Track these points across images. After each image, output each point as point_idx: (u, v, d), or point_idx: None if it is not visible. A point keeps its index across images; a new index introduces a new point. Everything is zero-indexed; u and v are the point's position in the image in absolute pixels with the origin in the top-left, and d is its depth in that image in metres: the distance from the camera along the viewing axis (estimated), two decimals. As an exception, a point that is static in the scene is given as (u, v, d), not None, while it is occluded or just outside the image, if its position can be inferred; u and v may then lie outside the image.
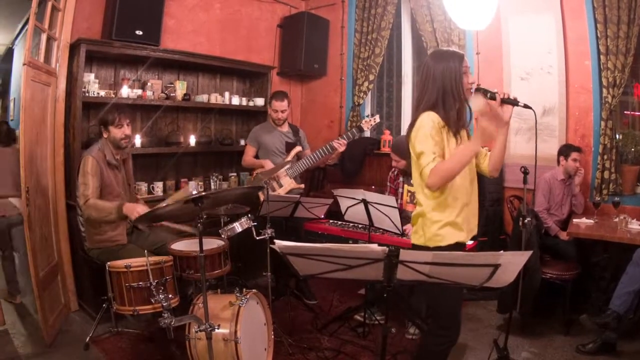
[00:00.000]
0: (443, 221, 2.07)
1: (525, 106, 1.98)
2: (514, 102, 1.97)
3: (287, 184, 3.96)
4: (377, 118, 3.89)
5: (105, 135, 3.16)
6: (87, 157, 3.03)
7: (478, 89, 2.04)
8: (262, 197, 3.86)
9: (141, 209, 2.94)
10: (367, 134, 4.95)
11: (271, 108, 4.04)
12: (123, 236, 3.19)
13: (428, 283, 1.51)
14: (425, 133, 1.97)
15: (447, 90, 2.03)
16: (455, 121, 2.06)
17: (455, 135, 2.08)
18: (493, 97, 1.99)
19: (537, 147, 4.05)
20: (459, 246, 2.10)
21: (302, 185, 4.04)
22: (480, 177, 4.08)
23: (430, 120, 2.00)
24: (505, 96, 1.97)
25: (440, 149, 2.00)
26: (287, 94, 4.09)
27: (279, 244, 1.46)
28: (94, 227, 3.10)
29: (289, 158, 4.00)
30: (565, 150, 3.79)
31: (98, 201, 2.96)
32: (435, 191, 2.06)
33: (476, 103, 1.94)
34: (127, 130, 3.17)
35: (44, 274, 3.15)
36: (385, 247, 1.40)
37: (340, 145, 3.77)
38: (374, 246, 1.39)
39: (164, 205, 2.28)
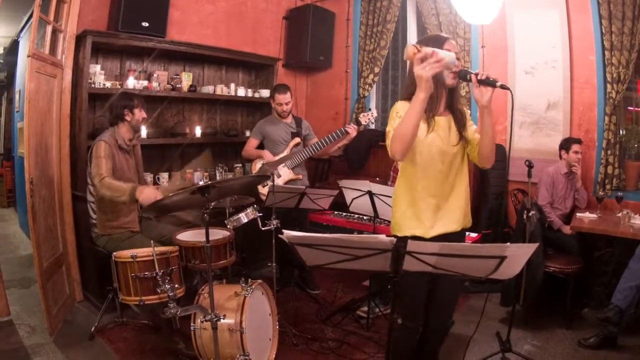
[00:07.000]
0: (397, 212, 2.16)
1: (503, 87, 1.86)
2: (492, 83, 1.86)
3: (285, 174, 3.98)
4: (375, 112, 3.99)
5: (128, 119, 3.20)
6: (100, 141, 3.06)
7: (459, 71, 1.96)
8: (260, 190, 3.89)
9: (154, 195, 2.90)
10: (372, 126, 4.97)
11: (275, 102, 4.04)
12: (135, 223, 3.21)
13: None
14: (392, 116, 2.04)
15: None
16: (430, 107, 2.00)
17: (428, 120, 2.03)
18: (470, 79, 1.91)
19: (542, 142, 4.16)
20: (415, 240, 2.02)
21: (300, 176, 4.04)
22: (485, 171, 4.15)
23: (400, 107, 2.03)
24: (483, 77, 1.87)
25: None
26: (288, 86, 4.09)
27: (288, 234, 1.45)
28: (106, 213, 3.12)
29: (288, 150, 4.02)
30: (566, 144, 3.79)
31: (113, 181, 2.96)
32: (400, 179, 2.16)
33: (405, 52, 1.86)
34: (144, 112, 3.28)
35: (48, 264, 3.17)
36: (393, 238, 1.41)
37: (352, 129, 3.80)
38: (382, 237, 1.40)
39: (171, 195, 2.28)
